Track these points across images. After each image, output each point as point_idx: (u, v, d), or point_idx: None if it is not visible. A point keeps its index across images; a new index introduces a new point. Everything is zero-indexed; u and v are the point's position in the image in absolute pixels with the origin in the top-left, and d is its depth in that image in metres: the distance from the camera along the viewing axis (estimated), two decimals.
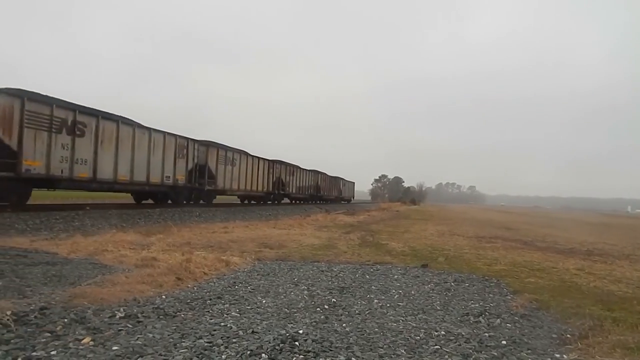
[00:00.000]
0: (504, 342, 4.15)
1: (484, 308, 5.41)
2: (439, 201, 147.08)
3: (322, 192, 48.12)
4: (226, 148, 26.23)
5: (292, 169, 38.55)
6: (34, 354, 3.13)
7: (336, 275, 7.09)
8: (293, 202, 41.66)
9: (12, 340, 3.30)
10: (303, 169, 41.71)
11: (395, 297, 5.86)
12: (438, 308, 5.39)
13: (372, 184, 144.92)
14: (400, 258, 9.52)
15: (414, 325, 4.58)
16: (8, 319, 3.58)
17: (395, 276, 7.30)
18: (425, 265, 8.51)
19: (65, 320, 3.80)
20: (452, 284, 6.89)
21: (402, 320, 4.73)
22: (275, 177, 34.21)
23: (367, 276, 7.22)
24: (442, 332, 4.34)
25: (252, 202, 33.99)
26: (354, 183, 68.92)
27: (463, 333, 4.34)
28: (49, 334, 3.50)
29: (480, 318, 4.97)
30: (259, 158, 30.98)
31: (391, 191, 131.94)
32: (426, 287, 6.59)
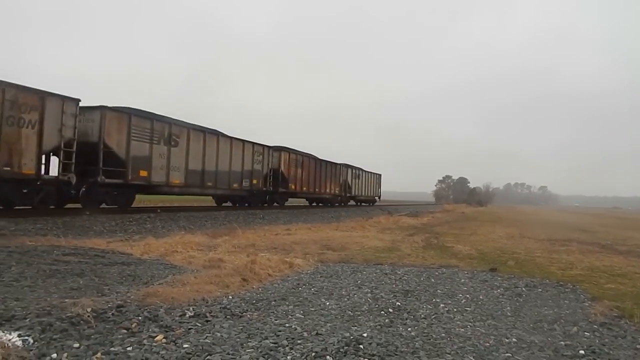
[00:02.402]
0: (581, 351, 3.89)
1: (559, 315, 5.11)
2: (508, 202, 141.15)
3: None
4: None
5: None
6: (112, 349, 3.30)
7: (400, 278, 6.98)
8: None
9: (92, 336, 3.51)
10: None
11: (462, 301, 5.67)
12: (508, 314, 5.15)
13: (435, 185, 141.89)
14: (467, 261, 9.22)
15: (483, 331, 4.40)
16: (88, 316, 3.81)
17: (462, 280, 7.07)
18: (493, 269, 8.18)
19: (140, 318, 3.99)
20: (524, 289, 6.57)
21: (470, 326, 4.56)
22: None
23: (432, 280, 7.04)
24: (514, 339, 4.15)
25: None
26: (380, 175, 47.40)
27: (536, 341, 4.12)
28: (125, 331, 3.69)
29: (555, 325, 4.70)
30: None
31: (456, 192, 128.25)
32: (495, 291, 6.33)
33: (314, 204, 34.67)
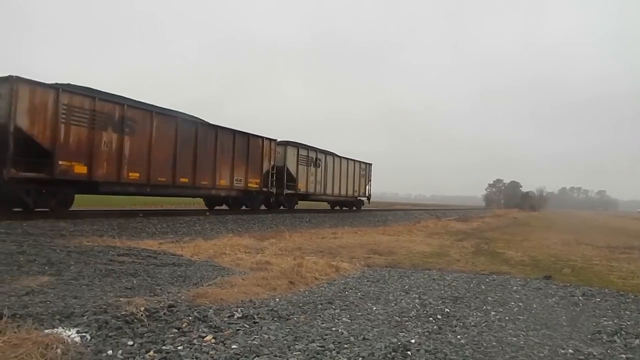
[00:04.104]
0: None
1: (620, 326, 4.82)
2: (563, 207, 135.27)
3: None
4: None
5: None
6: (164, 347, 3.39)
7: (449, 284, 6.81)
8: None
9: (145, 334, 3.63)
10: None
11: (515, 309, 5.46)
12: (564, 324, 4.92)
13: (485, 189, 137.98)
14: (519, 268, 8.89)
15: (537, 341, 4.22)
16: (142, 315, 3.94)
17: (514, 287, 6.82)
18: (548, 276, 7.83)
19: (190, 318, 4.09)
20: (580, 298, 6.25)
21: (523, 335, 4.38)
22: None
23: (483, 286, 6.83)
24: (570, 351, 3.95)
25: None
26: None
27: (595, 353, 3.91)
28: (176, 330, 3.79)
29: (615, 337, 4.43)
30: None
31: (507, 197, 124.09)
32: (550, 300, 6.06)
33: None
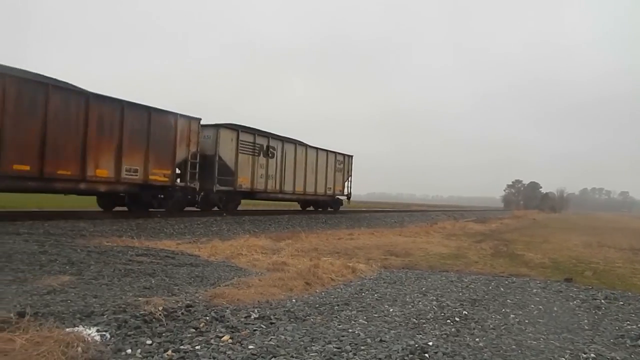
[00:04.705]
0: None
1: None
2: (584, 209, 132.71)
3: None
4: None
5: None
6: (182, 347, 3.42)
7: (467, 287, 6.74)
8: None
9: (163, 334, 3.66)
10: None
11: (535, 312, 5.38)
12: (586, 327, 4.83)
13: (504, 190, 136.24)
14: (539, 270, 8.76)
15: (557, 344, 4.14)
16: (160, 314, 3.98)
17: (534, 290, 6.72)
18: (569, 279, 7.70)
19: (207, 318, 4.11)
20: (603, 301, 6.13)
21: (543, 339, 4.31)
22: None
23: (502, 289, 6.74)
24: (592, 355, 3.88)
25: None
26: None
27: (618, 358, 3.84)
28: (193, 330, 3.81)
29: (639, 342, 4.34)
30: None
31: (526, 198, 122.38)
32: (571, 303, 5.95)
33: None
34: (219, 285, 5.64)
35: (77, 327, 3.57)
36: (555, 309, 5.60)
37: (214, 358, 3.24)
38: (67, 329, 3.45)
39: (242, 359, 3.26)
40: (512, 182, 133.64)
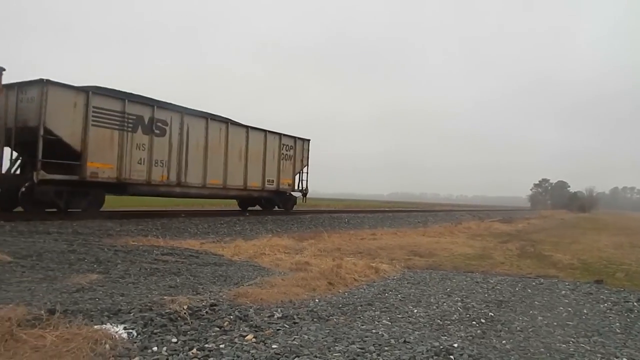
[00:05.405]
0: None
1: None
2: (615, 208, 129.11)
3: None
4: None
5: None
6: (206, 345, 3.45)
7: (493, 288, 6.62)
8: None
9: (188, 332, 3.70)
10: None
11: (564, 315, 5.25)
12: (618, 331, 4.69)
13: (531, 189, 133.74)
14: (568, 272, 8.55)
15: (588, 348, 4.04)
16: (185, 313, 4.02)
17: (563, 292, 6.55)
18: (599, 280, 7.49)
19: (231, 317, 4.14)
20: (635, 303, 5.93)
21: (573, 342, 4.20)
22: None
23: (529, 290, 6.60)
24: (624, 359, 3.76)
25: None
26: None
27: None
28: (217, 329, 3.84)
29: None
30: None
31: (554, 197, 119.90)
32: (601, 305, 5.79)
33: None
34: (243, 285, 5.68)
35: (105, 324, 3.64)
36: (585, 311, 5.46)
37: (238, 357, 3.26)
38: (95, 326, 3.51)
39: (266, 358, 3.27)
40: (539, 181, 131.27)
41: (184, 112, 14.97)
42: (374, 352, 3.52)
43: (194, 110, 15.58)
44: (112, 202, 17.67)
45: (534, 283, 7.17)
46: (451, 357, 3.47)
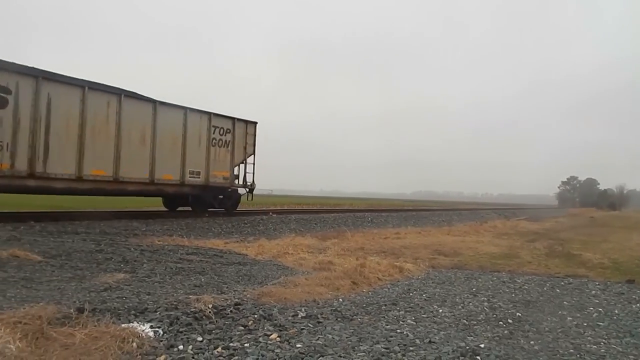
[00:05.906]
0: None
1: None
2: None
3: None
4: None
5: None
6: (231, 344, 3.47)
7: (520, 288, 6.50)
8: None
9: (213, 331, 3.73)
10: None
11: (594, 315, 5.11)
12: None
13: (558, 187, 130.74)
14: (598, 271, 8.33)
15: (620, 349, 3.92)
16: (210, 312, 4.06)
17: (593, 292, 6.38)
18: (631, 280, 7.28)
19: (255, 316, 4.16)
20: None
21: (604, 343, 4.09)
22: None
23: (557, 290, 6.45)
24: None
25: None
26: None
27: None
28: (242, 328, 3.86)
29: None
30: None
31: (583, 195, 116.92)
32: (634, 306, 5.62)
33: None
34: (267, 284, 5.70)
35: (132, 323, 3.70)
36: (616, 311, 5.30)
37: (262, 356, 3.27)
38: (123, 325, 3.57)
39: (290, 358, 3.27)
40: (567, 178, 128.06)
41: (41, 76, 10.75)
42: (399, 352, 3.48)
43: (61, 75, 11.42)
44: (138, 203, 17.97)
45: (562, 283, 7.01)
46: (478, 357, 3.42)
